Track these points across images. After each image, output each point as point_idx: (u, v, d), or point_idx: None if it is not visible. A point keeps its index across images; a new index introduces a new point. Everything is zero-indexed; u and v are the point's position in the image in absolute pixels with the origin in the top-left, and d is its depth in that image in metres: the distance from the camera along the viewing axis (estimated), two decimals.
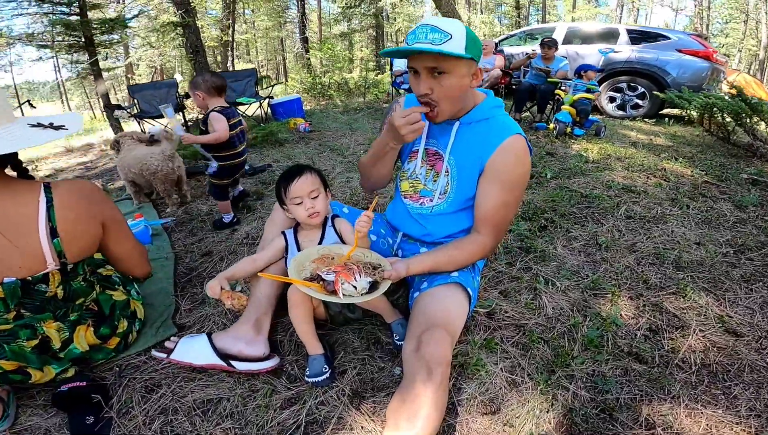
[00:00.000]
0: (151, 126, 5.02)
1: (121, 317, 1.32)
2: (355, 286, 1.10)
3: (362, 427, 1.11)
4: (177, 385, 1.25)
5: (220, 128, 2.09)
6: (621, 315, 1.50)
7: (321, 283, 1.11)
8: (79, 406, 1.14)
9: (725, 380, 1.25)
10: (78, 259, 1.16)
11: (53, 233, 1.07)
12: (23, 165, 1.19)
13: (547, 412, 1.14)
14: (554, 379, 1.24)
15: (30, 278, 1.08)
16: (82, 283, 1.21)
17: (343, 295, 1.09)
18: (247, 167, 3.12)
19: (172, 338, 1.33)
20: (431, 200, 1.38)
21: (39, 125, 1.08)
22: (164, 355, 1.26)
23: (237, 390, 1.23)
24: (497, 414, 1.15)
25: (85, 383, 1.18)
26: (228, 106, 2.23)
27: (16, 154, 1.15)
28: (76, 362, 1.22)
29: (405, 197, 1.45)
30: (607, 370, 1.27)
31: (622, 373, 1.27)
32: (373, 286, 1.14)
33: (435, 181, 1.36)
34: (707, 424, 1.11)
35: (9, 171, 1.14)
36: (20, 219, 1.04)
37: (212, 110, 2.13)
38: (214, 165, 2.23)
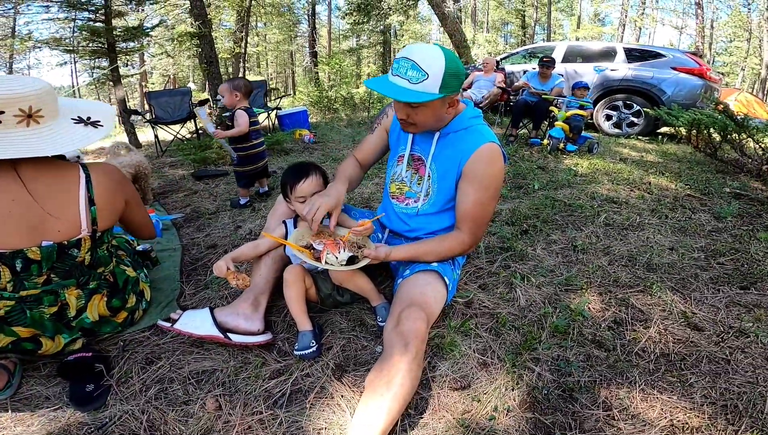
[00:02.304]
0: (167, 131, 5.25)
1: (131, 292, 1.46)
2: (336, 257, 1.27)
3: (342, 396, 1.23)
4: (176, 358, 1.38)
5: (242, 123, 2.59)
6: (588, 308, 1.61)
7: (311, 250, 1.29)
8: (82, 375, 1.24)
9: (682, 369, 1.33)
10: (105, 227, 1.34)
11: (91, 202, 1.27)
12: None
13: (513, 390, 1.25)
14: (521, 361, 1.35)
15: (66, 242, 1.24)
16: (105, 251, 1.38)
17: (326, 262, 1.27)
18: None
19: (177, 311, 1.46)
20: (416, 201, 1.53)
21: (80, 120, 1.28)
22: (169, 325, 1.40)
23: (231, 362, 1.35)
24: (467, 390, 1.25)
25: (90, 354, 1.30)
26: (249, 107, 2.70)
27: None
28: (85, 333, 1.34)
29: (392, 198, 1.59)
30: (571, 355, 1.38)
31: (584, 358, 1.38)
32: (354, 261, 1.30)
33: (419, 184, 1.51)
34: (662, 409, 1.18)
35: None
36: (63, 190, 1.23)
37: (239, 108, 2.62)
38: (234, 155, 2.72)
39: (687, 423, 1.14)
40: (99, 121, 1.32)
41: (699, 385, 1.27)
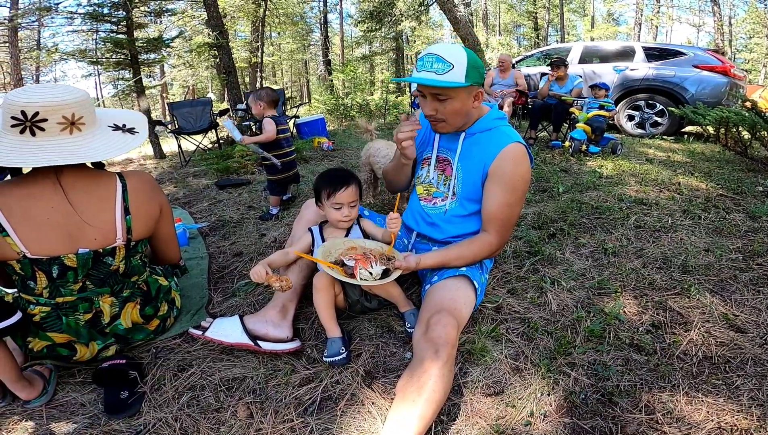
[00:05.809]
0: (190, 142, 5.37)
1: (163, 301, 1.48)
2: (370, 272, 1.28)
3: (373, 403, 1.21)
4: (206, 365, 1.38)
5: (269, 130, 2.62)
6: (624, 311, 1.56)
7: (343, 267, 1.30)
8: (116, 382, 1.26)
9: (727, 371, 1.28)
10: (140, 237, 1.36)
11: (126, 211, 1.28)
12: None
13: (548, 395, 1.21)
14: (556, 365, 1.31)
15: (101, 250, 1.26)
16: (139, 261, 1.39)
17: (360, 278, 1.27)
18: None
19: (207, 319, 1.47)
20: (443, 200, 1.52)
21: (117, 127, 1.30)
22: (200, 332, 1.41)
23: (260, 369, 1.35)
24: (500, 395, 1.22)
25: (124, 361, 1.31)
26: (278, 115, 2.72)
27: None
28: (117, 340, 1.36)
29: (420, 199, 1.60)
30: (608, 360, 1.33)
31: (622, 362, 1.33)
32: (387, 274, 1.30)
33: (446, 184, 1.51)
34: (708, 412, 1.14)
35: (88, 163, 1.34)
36: (100, 198, 1.25)
37: (266, 117, 2.65)
38: (277, 162, 2.68)
39: (735, 425, 1.10)
40: (134, 128, 1.34)
41: (745, 388, 1.22)
